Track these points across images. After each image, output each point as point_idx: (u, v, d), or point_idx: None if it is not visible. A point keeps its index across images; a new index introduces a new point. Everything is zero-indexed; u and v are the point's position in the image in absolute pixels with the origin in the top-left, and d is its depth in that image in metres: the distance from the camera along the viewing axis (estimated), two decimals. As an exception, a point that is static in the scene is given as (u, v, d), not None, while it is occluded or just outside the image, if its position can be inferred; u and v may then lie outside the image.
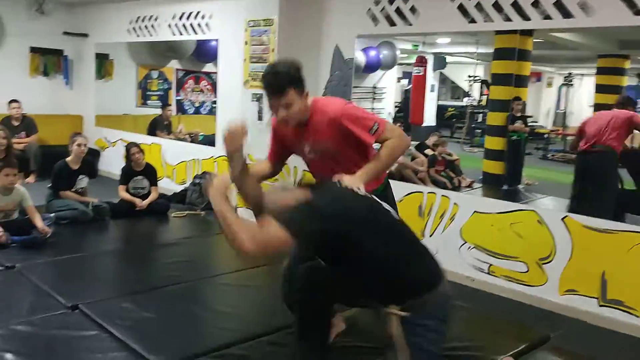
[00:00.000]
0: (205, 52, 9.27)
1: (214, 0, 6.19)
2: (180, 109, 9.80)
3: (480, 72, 12.22)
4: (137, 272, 4.18)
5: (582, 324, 3.64)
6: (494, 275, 4.11)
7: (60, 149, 7.16)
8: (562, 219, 3.75)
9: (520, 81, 8.00)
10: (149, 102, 9.29)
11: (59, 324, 3.01)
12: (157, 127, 8.23)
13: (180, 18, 6.61)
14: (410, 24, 4.47)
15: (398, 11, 4.52)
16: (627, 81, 10.68)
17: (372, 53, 9.70)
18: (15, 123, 7.29)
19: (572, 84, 15.12)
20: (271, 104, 2.46)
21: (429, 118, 11.84)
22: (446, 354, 2.46)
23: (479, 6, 4.03)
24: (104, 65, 8.59)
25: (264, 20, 5.17)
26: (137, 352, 2.73)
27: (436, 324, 2.10)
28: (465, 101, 12.83)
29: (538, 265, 3.88)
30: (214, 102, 10.25)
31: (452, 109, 13.77)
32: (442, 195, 4.43)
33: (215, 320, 3.21)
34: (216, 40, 6.45)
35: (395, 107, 12.24)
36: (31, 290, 3.49)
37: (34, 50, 8.11)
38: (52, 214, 4.86)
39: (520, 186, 7.89)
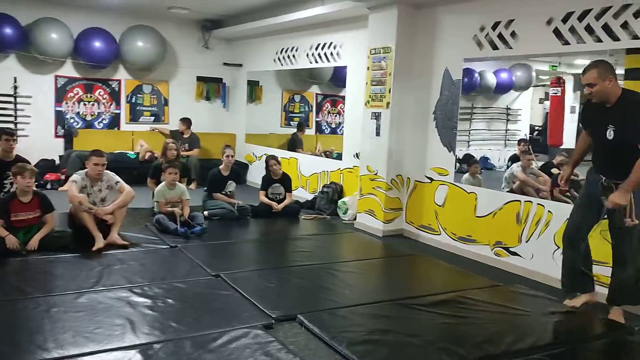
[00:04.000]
0: (341, 77, 10.21)
1: (344, 31, 7.07)
2: (319, 129, 10.84)
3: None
4: (266, 256, 5.18)
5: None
6: (585, 280, 4.32)
7: (218, 162, 8.51)
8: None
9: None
10: (291, 122, 10.45)
11: (205, 285, 3.97)
12: (296, 145, 9.34)
13: (317, 48, 7.59)
14: (511, 47, 4.89)
15: (500, 36, 4.97)
16: None
17: (504, 75, 9.93)
18: (185, 136, 8.79)
19: None
20: None
21: (569, 140, 11.59)
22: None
23: (572, 29, 4.36)
24: (254, 90, 9.91)
25: (383, 47, 5.89)
26: (259, 307, 3.57)
27: None
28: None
29: (627, 271, 4.04)
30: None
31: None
32: (538, 204, 4.74)
33: (320, 292, 4.00)
34: (345, 67, 7.31)
35: (535, 129, 12.15)
36: (188, 262, 4.55)
37: (199, 79, 9.69)
38: (206, 212, 6.05)
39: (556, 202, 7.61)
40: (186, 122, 8.98)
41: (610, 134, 3.48)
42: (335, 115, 11.01)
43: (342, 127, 11.20)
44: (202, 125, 9.43)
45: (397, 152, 5.95)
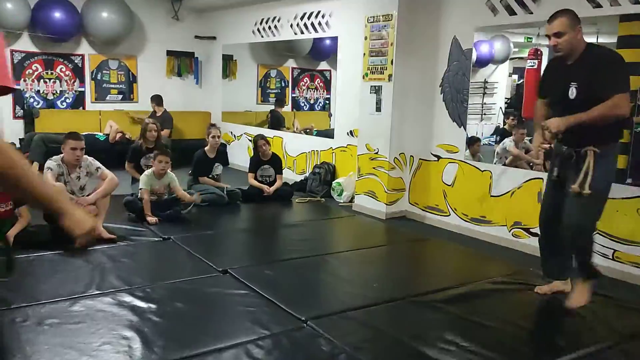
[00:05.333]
0: (320, 50, 9.73)
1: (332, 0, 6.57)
2: (296, 105, 10.34)
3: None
4: (270, 246, 4.74)
5: None
6: (619, 261, 4.08)
7: (192, 142, 7.95)
8: (695, 203, 3.67)
9: (647, 69, 7.62)
10: (269, 99, 9.90)
11: (214, 284, 3.50)
12: (280, 122, 8.84)
13: (302, 18, 7.06)
14: (531, 12, 4.53)
15: (518, 0, 4.60)
16: None
17: (484, 47, 9.64)
18: (158, 114, 8.11)
19: None
20: None
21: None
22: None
23: (604, -10, 4.03)
24: (228, 65, 9.30)
25: (384, 15, 5.44)
26: (278, 305, 3.14)
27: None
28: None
29: (667, 251, 3.81)
30: (327, 99, 10.72)
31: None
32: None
33: (332, 287, 3.58)
34: (335, 37, 6.82)
35: (505, 102, 12.04)
36: (187, 257, 4.05)
37: (170, 53, 8.99)
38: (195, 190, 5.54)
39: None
40: (157, 99, 8.31)
41: (572, 93, 3.09)
42: (314, 91, 10.53)
43: (320, 103, 10.82)
44: (174, 104, 8.77)
45: (400, 129, 5.55)
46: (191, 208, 5.27)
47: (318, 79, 10.51)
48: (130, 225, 4.81)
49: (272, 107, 9.42)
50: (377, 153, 5.69)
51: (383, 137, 5.60)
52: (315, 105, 10.62)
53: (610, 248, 4.13)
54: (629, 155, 7.66)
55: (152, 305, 3.12)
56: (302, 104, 10.49)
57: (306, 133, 8.53)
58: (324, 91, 10.51)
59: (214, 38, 8.99)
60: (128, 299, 3.20)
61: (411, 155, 5.67)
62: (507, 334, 2.98)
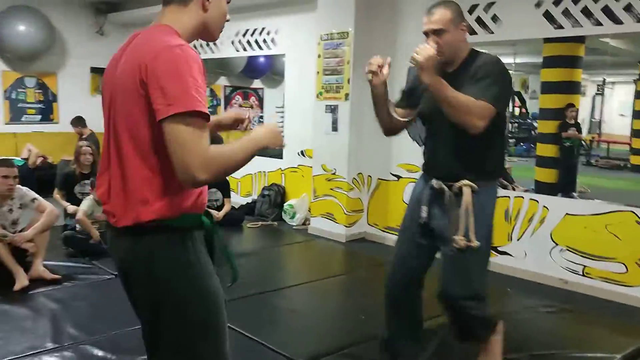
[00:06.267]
0: (254, 68, 9.48)
1: (279, 16, 6.35)
2: (229, 124, 9.97)
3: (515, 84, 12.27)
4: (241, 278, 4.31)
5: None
6: (589, 277, 4.13)
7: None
8: (663, 218, 3.79)
9: (572, 88, 8.05)
10: (201, 118, 9.47)
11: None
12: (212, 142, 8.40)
13: (244, 35, 6.78)
14: (492, 32, 4.56)
15: (479, 20, 4.62)
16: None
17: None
18: (84, 136, 7.44)
19: (604, 94, 15.13)
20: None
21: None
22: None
23: (566, 12, 4.11)
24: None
25: (339, 33, 5.30)
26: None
27: (492, 203, 2.42)
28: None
29: (638, 265, 3.90)
30: (261, 117, 10.44)
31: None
32: (531, 199, 4.47)
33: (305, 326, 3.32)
34: (281, 55, 6.61)
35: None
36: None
37: (94, 70, 8.35)
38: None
39: (574, 193, 7.83)
40: (80, 121, 7.63)
41: None
42: (247, 109, 10.21)
43: (254, 121, 10.49)
44: (100, 125, 8.11)
45: (358, 148, 5.40)
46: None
47: (253, 97, 10.22)
48: (73, 262, 4.29)
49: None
50: (334, 174, 5.50)
51: (340, 157, 5.42)
52: (250, 124, 10.28)
53: (580, 264, 4.18)
54: (558, 169, 8.12)
55: (126, 357, 2.71)
56: (235, 123, 10.13)
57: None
58: (258, 109, 10.24)
59: (143, 54, 8.45)
60: (95, 351, 2.77)
61: (369, 175, 5.53)
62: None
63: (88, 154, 5.43)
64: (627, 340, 3.18)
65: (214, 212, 5.72)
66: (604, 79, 14.75)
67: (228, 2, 1.62)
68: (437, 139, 2.46)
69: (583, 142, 10.03)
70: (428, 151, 2.53)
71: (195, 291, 1.48)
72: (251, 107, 10.24)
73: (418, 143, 5.17)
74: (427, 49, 2.20)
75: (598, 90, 15.17)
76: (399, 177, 5.32)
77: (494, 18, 4.53)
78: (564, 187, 7.89)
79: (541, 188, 7.80)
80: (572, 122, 7.95)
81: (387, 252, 5.11)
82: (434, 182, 2.39)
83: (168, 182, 1.44)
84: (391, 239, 5.38)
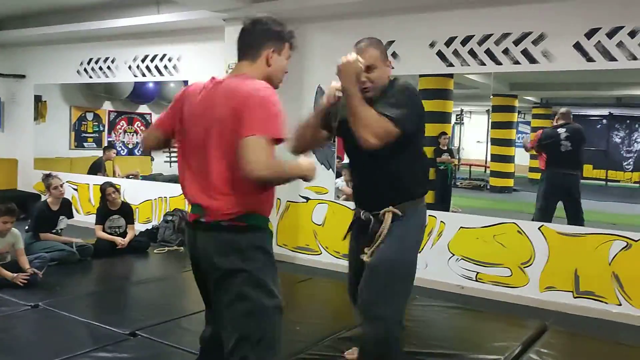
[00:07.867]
0: (141, 93, 9.32)
1: (182, 43, 6.43)
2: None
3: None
4: (166, 301, 4.30)
5: (562, 314, 4.34)
6: (481, 282, 4.74)
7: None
8: (539, 228, 4.49)
9: (445, 118, 9.03)
10: (85, 144, 9.08)
11: (138, 350, 3.12)
12: (100, 169, 8.12)
13: (143, 60, 6.74)
14: (392, 67, 5.08)
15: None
16: (516, 118, 12.30)
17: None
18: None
19: (462, 122, 16.88)
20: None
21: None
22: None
23: (455, 52, 4.76)
24: (37, 107, 8.32)
25: (248, 62, 5.53)
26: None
27: (415, 229, 2.53)
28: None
29: (520, 269, 4.56)
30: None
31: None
32: (430, 215, 5.00)
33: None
34: (182, 82, 6.67)
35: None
36: (76, 323, 3.54)
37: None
38: (48, 255, 4.79)
39: (449, 213, 8.68)
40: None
41: None
42: (132, 135, 9.96)
43: (140, 147, 10.23)
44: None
45: (266, 172, 5.63)
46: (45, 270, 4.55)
47: (138, 122, 9.99)
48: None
49: (88, 152, 8.69)
50: (243, 197, 5.66)
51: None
52: (135, 150, 10.04)
53: (473, 271, 4.78)
54: (435, 191, 8.99)
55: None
56: (120, 149, 9.83)
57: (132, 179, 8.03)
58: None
59: (23, 76, 7.98)
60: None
61: (278, 198, 5.78)
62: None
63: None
64: (519, 330, 3.72)
65: (118, 239, 5.61)
66: (462, 109, 16.47)
67: (287, 59, 2.08)
68: (359, 172, 2.60)
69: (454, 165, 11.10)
70: (353, 185, 2.70)
71: None
72: (135, 132, 10.01)
73: (325, 166, 5.55)
74: (351, 56, 2.31)
75: (457, 119, 16.88)
76: (307, 198, 5.63)
77: (394, 55, 5.07)
78: (441, 206, 8.74)
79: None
80: (445, 148, 8.89)
81: (300, 270, 5.40)
82: (362, 214, 2.54)
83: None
84: (302, 257, 5.67)
